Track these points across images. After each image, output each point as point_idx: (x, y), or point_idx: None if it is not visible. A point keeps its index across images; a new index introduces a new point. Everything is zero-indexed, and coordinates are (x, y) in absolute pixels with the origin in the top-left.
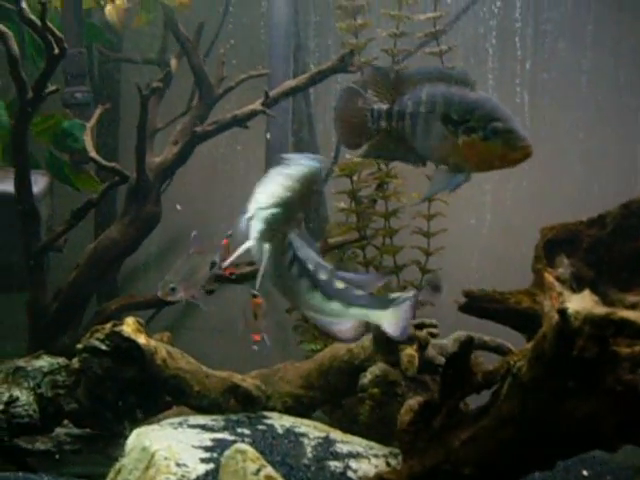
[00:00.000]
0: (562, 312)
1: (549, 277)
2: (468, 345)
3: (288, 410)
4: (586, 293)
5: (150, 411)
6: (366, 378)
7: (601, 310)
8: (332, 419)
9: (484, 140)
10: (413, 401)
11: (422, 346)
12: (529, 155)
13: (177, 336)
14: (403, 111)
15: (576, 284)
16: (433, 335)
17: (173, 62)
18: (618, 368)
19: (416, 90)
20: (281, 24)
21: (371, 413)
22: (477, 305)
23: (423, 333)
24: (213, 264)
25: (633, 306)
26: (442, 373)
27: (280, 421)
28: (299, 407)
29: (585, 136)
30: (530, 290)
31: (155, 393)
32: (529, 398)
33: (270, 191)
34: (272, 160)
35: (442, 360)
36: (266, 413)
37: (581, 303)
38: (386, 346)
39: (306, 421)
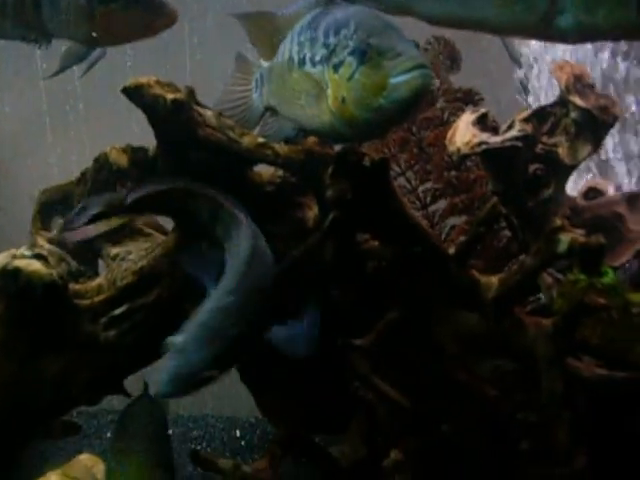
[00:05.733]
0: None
1: (39, 239)
2: None
3: None
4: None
5: None
6: None
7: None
8: None
9: (124, 9)
10: None
11: None
12: (174, 21)
13: None
14: None
15: None
16: None
17: None
18: (80, 320)
19: None
20: None
21: None
22: None
23: None
24: None
25: (113, 258)
26: None
27: None
28: None
29: None
30: None
31: None
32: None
33: None
34: None
35: None
36: None
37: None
38: None
39: None
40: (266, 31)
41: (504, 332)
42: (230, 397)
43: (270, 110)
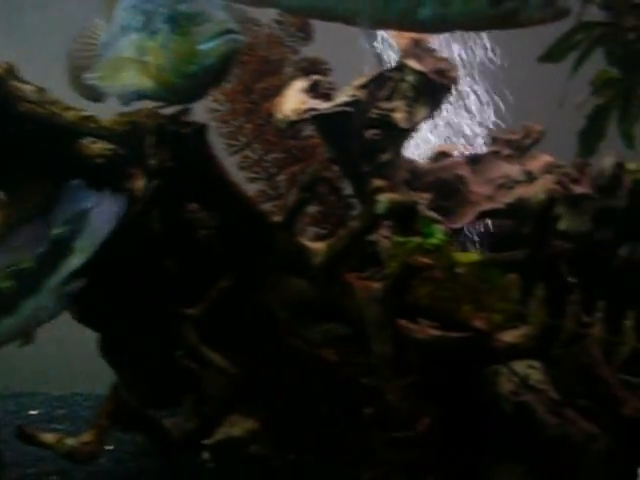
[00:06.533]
0: None
1: None
2: None
3: None
4: None
5: None
6: None
7: None
8: None
9: None
10: None
11: None
12: None
13: None
14: None
15: None
16: None
17: None
18: None
19: None
20: None
21: None
22: None
23: None
24: None
25: None
26: None
27: None
28: None
29: None
30: None
31: None
32: None
33: None
34: None
35: None
36: None
37: None
38: None
39: None
40: None
41: (333, 297)
42: (102, 375)
43: None
